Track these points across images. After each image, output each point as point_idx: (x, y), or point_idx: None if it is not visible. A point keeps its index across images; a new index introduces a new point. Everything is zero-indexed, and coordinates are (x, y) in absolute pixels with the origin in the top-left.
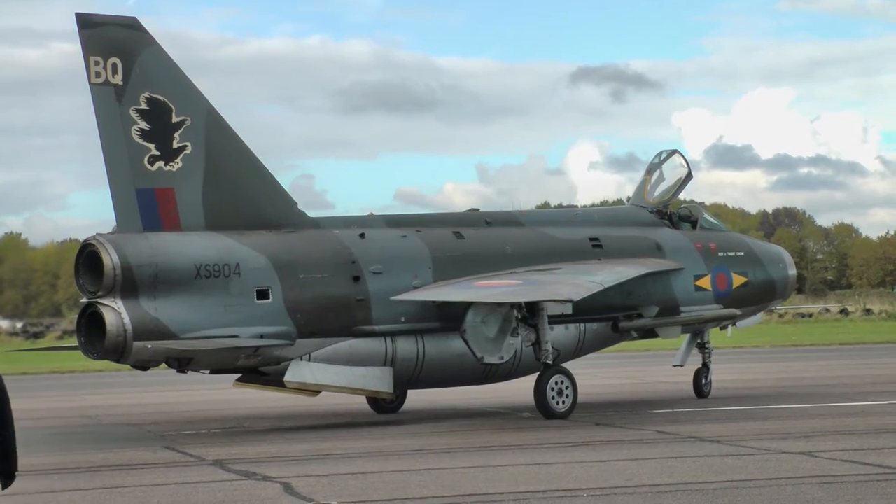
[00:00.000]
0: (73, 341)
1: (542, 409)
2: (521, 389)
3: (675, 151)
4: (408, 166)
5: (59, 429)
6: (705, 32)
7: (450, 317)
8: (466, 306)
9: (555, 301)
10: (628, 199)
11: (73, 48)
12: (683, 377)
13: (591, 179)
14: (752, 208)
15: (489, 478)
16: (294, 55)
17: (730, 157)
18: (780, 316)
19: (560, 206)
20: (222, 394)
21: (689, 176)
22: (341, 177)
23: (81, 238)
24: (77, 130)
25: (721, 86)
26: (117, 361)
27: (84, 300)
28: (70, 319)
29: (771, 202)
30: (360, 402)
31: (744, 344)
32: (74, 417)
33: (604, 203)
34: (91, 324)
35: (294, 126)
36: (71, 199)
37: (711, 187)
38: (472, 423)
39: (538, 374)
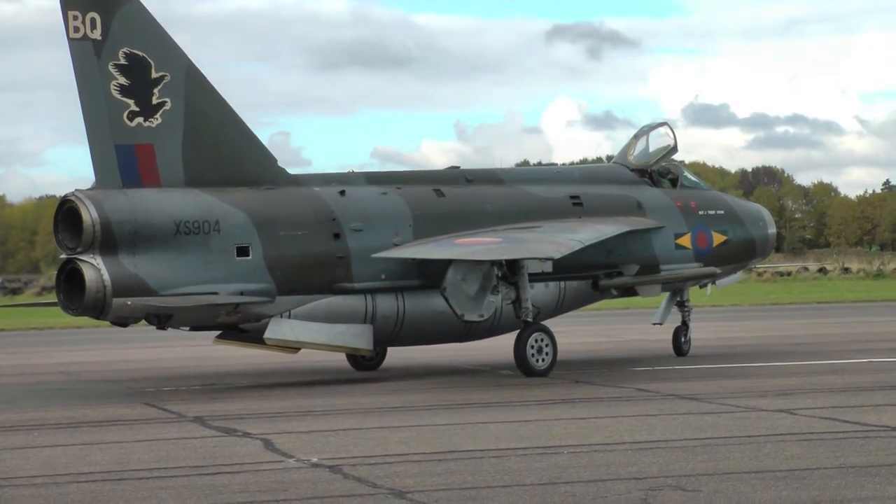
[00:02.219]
0: (52, 297)
1: (522, 366)
2: (501, 347)
3: (664, 123)
4: (385, 124)
5: (39, 385)
6: None
7: (430, 274)
8: (447, 264)
9: (536, 259)
10: (609, 157)
11: (48, 3)
12: (662, 335)
13: (569, 137)
14: (729, 167)
15: (469, 435)
16: (271, 12)
17: (707, 115)
18: (759, 274)
19: (539, 164)
20: (202, 350)
21: (674, 148)
22: (318, 134)
23: (59, 194)
24: (53, 86)
25: (698, 44)
26: (97, 318)
27: (63, 256)
28: (48, 276)
29: (747, 161)
30: (340, 360)
31: (723, 302)
32: (53, 374)
33: (583, 161)
34: (70, 280)
35: (271, 83)
36: (47, 155)
37: (688, 146)
38: (452, 381)
39: (518, 331)
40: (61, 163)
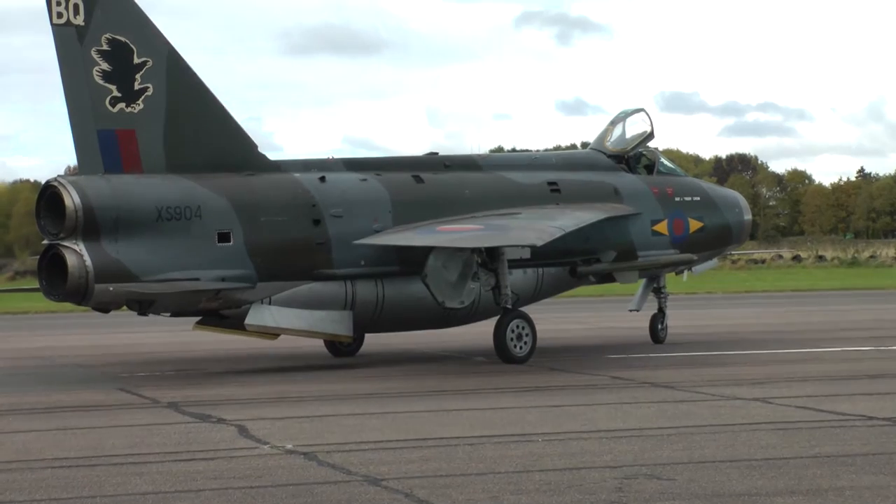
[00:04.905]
0: (26, 282)
1: (502, 353)
2: (476, 334)
3: (641, 110)
4: (356, 109)
5: (13, 370)
6: None
7: (409, 261)
8: (427, 250)
9: (518, 246)
10: (583, 144)
11: None
12: (637, 322)
13: (539, 123)
14: (700, 154)
15: (444, 422)
16: None
17: (678, 102)
18: (734, 262)
19: (514, 150)
20: (177, 336)
21: (650, 135)
22: (289, 119)
23: (33, 179)
24: (27, 70)
25: (670, 30)
26: (79, 304)
27: (45, 242)
28: (21, 260)
29: (719, 149)
30: (316, 346)
31: (697, 290)
32: (27, 358)
33: (556, 147)
34: (52, 266)
35: (242, 68)
36: (21, 139)
37: (659, 133)
38: (427, 368)
39: (498, 318)
40: (35, 147)
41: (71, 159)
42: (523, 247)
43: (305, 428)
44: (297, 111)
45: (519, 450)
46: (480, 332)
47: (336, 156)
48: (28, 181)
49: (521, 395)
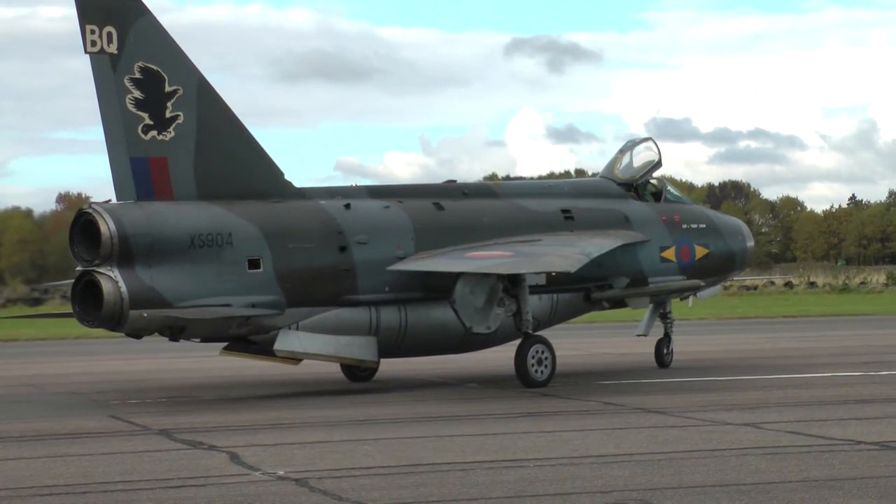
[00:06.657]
0: (18, 310)
1: (523, 377)
2: (470, 361)
3: (649, 138)
4: (348, 136)
5: (3, 397)
6: (647, 5)
7: (432, 287)
8: (453, 277)
9: (550, 272)
10: (576, 171)
11: (10, 13)
12: (630, 348)
13: (532, 150)
14: (692, 181)
15: (436, 448)
16: (234, 23)
17: (669, 129)
18: (726, 288)
19: (508, 177)
20: (168, 363)
21: (658, 163)
22: (281, 146)
23: (24, 206)
24: (17, 97)
25: (662, 58)
26: (112, 329)
27: (79, 269)
28: (13, 287)
29: (710, 175)
30: (312, 371)
31: (690, 316)
32: (18, 385)
33: (550, 175)
34: (85, 292)
35: (233, 94)
36: (11, 166)
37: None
38: (420, 394)
39: (519, 343)
40: (26, 174)
41: (61, 187)
42: (556, 273)
43: (297, 454)
44: (290, 138)
45: (511, 475)
46: (473, 359)
47: (325, 184)
48: (19, 209)
49: (512, 420)
